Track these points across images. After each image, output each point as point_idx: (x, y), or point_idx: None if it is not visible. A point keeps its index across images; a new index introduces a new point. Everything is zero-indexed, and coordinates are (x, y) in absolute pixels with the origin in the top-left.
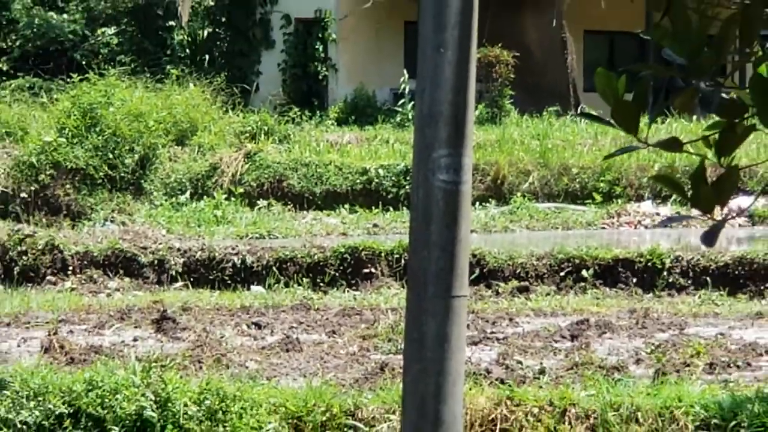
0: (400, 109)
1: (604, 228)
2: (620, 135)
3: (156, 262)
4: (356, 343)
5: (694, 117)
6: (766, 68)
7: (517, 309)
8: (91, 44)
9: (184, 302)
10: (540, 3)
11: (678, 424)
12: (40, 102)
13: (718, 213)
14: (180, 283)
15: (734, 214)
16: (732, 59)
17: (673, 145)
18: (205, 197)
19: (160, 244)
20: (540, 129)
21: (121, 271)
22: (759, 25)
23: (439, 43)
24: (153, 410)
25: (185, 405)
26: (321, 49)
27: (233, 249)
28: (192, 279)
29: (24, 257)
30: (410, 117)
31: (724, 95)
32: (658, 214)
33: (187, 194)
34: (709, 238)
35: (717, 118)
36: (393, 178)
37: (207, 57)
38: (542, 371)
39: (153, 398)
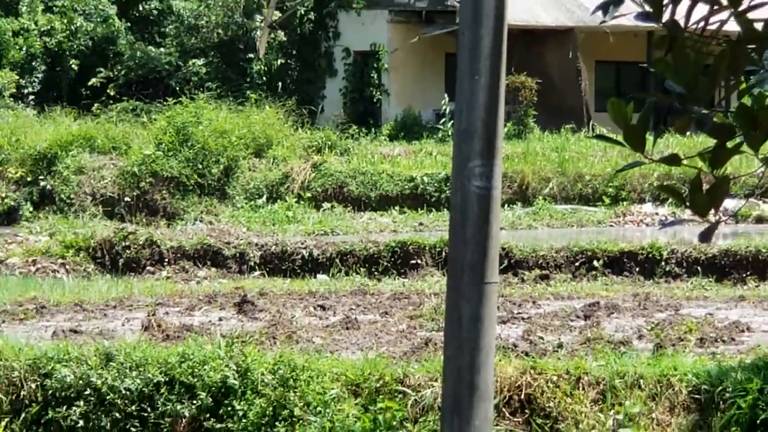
0: (441, 127)
1: (612, 226)
2: (626, 149)
3: (237, 254)
4: (405, 322)
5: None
6: (749, 98)
7: (539, 293)
8: (183, 73)
9: (261, 288)
10: (559, 38)
11: (674, 390)
12: (141, 121)
13: (711, 215)
14: (257, 273)
15: (725, 217)
16: (720, 89)
17: (673, 160)
18: (278, 201)
19: (241, 239)
20: (558, 143)
21: (209, 263)
22: (745, 61)
23: (474, 72)
24: (235, 378)
25: (262, 374)
26: (375, 77)
27: (302, 244)
28: (268, 269)
29: (127, 251)
30: (450, 133)
31: (715, 119)
32: (657, 214)
33: (264, 198)
34: (706, 236)
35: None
36: (435, 184)
37: (280, 84)
38: (560, 345)
39: (235, 368)
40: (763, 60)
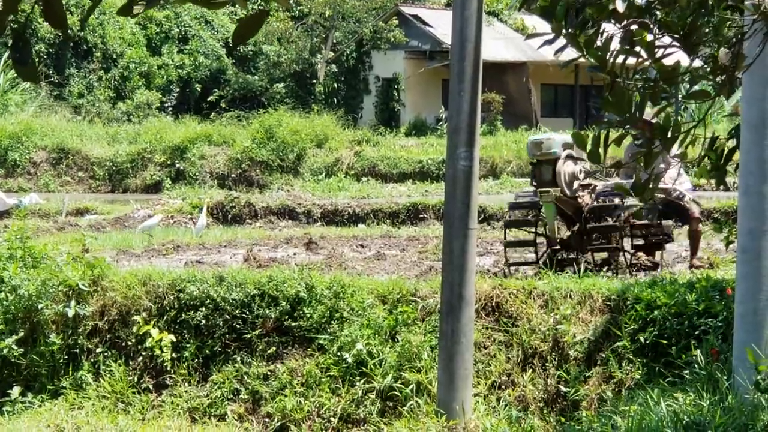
0: (439, 127)
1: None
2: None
3: (306, 211)
4: (416, 256)
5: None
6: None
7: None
8: (270, 93)
9: (322, 234)
10: (516, 68)
11: (593, 299)
12: (242, 125)
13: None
14: (319, 224)
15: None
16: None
17: (618, 165)
18: (332, 176)
19: (308, 201)
20: (516, 138)
21: (287, 217)
22: (660, 98)
23: (460, 90)
24: (304, 292)
25: (322, 289)
26: (396, 94)
27: (348, 204)
28: (326, 221)
29: (233, 209)
30: (445, 131)
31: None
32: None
33: (323, 174)
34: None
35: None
36: (436, 164)
37: (334, 99)
38: (518, 270)
39: (304, 286)
40: (672, 91)
